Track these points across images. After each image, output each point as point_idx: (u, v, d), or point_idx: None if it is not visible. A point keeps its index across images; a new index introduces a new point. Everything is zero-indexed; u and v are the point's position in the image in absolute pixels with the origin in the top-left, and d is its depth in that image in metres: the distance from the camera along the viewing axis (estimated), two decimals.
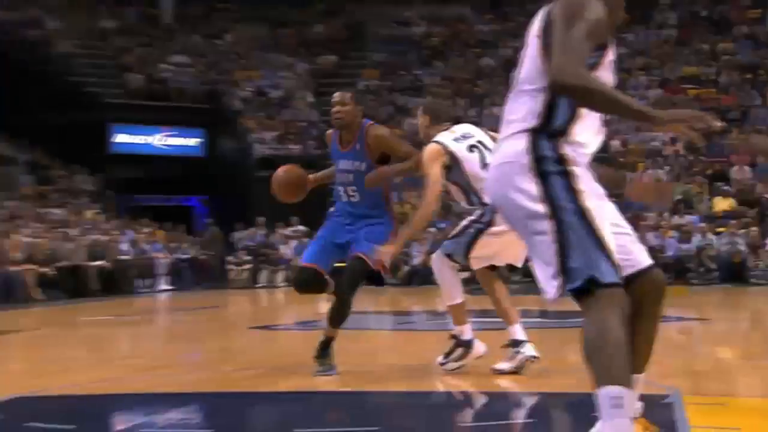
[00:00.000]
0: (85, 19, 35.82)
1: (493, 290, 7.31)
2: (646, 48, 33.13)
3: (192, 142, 31.56)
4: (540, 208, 3.48)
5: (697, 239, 23.69)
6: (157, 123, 31.92)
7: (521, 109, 3.59)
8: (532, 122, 3.55)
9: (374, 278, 6.34)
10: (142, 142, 32.02)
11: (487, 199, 6.50)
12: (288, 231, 26.10)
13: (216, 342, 12.33)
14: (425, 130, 7.44)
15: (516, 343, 7.00)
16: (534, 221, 3.50)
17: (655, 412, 5.11)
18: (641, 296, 3.82)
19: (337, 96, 7.25)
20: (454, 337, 7.26)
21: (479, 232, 7.12)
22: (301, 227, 25.68)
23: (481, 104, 30.36)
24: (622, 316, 3.45)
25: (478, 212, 7.16)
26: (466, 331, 7.25)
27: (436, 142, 7.23)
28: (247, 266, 26.06)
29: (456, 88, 32.70)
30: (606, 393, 3.32)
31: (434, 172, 7.10)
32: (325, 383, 7.08)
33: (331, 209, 7.60)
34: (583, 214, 3.44)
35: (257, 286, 24.95)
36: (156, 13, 37.48)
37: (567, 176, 3.48)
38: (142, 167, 29.44)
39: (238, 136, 30.72)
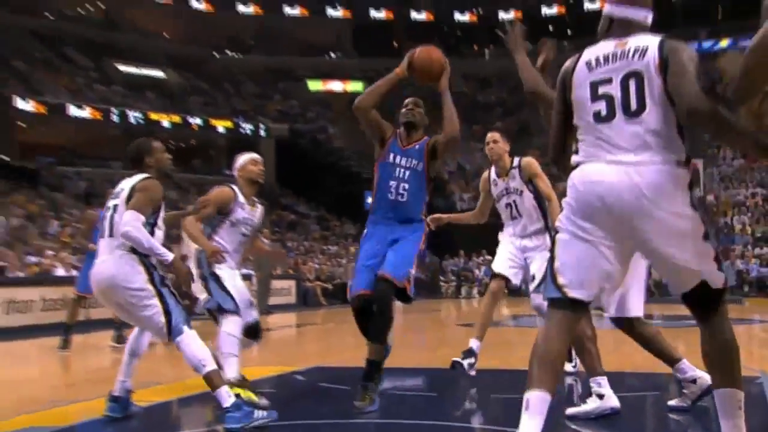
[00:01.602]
0: (350, 124, 37.19)
1: (495, 304, 5.98)
2: None
3: None
4: (696, 227, 2.76)
5: None
6: None
7: (659, 139, 2.77)
8: (677, 152, 2.78)
9: (401, 296, 4.95)
10: None
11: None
12: (479, 259, 26.06)
13: (435, 333, 12.42)
14: (505, 153, 6.00)
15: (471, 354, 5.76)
16: (691, 233, 2.75)
17: (750, 390, 4.83)
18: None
19: (411, 99, 5.17)
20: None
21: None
22: (488, 257, 25.70)
23: None
24: None
25: (547, 236, 5.67)
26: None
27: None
28: (453, 283, 26.15)
29: None
30: (741, 396, 2.80)
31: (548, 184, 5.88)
32: (513, 363, 6.53)
33: (366, 231, 5.10)
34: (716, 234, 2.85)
35: (460, 297, 24.93)
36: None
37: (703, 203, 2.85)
38: None
39: (446, 196, 30.91)
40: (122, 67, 35.98)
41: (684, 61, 2.79)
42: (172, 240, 14.60)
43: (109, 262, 4.41)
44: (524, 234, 5.94)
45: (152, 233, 4.45)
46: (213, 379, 4.19)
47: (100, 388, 4.81)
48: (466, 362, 5.67)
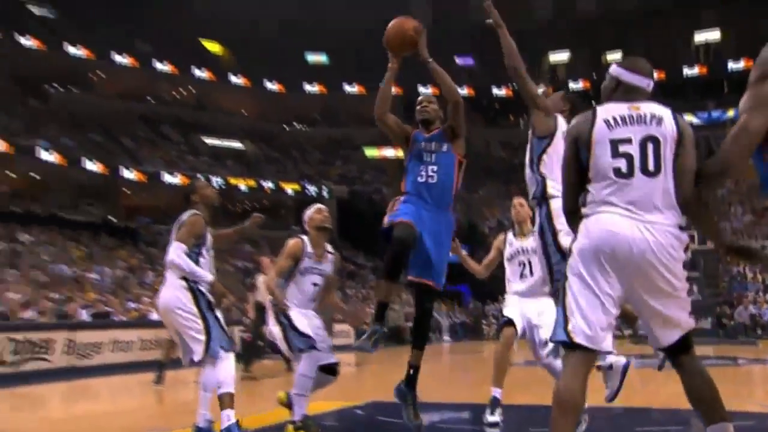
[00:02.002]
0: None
1: (509, 351, 5.42)
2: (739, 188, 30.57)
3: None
4: (686, 286, 2.75)
5: None
6: None
7: (667, 203, 2.73)
8: (680, 219, 2.76)
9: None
10: None
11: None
12: None
13: (478, 372, 12.18)
14: (528, 217, 5.51)
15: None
16: (682, 290, 2.74)
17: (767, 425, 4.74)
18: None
19: (423, 96, 4.70)
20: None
21: None
22: None
23: None
24: None
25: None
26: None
27: None
28: (494, 326, 25.78)
29: None
30: (732, 428, 2.70)
31: None
32: (550, 399, 6.37)
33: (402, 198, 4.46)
34: None
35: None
36: None
37: None
38: None
39: (487, 249, 30.60)
40: (208, 141, 37.15)
41: (690, 146, 2.78)
42: (247, 288, 14.77)
43: (165, 290, 4.60)
44: (532, 293, 5.36)
45: (197, 261, 4.60)
46: (223, 401, 4.37)
47: (189, 419, 4.90)
48: (496, 416, 5.16)
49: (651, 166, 2.74)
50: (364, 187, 37.30)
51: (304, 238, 5.10)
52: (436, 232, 4.37)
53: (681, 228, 2.73)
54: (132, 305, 15.99)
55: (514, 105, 40.73)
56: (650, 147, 2.75)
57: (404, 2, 40.30)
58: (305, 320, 4.91)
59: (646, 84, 2.95)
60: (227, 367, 4.45)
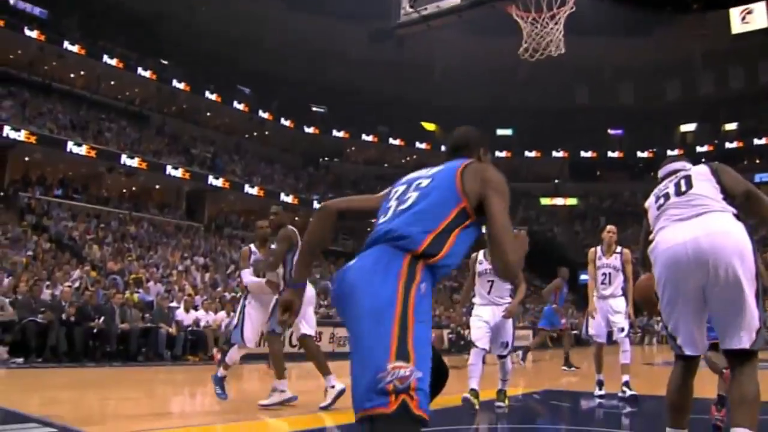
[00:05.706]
0: (567, 226, 35.28)
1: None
2: None
3: None
4: (754, 282, 2.18)
5: None
6: None
7: (708, 203, 2.32)
8: (734, 210, 2.29)
9: None
10: None
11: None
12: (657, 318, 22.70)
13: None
14: (615, 242, 5.72)
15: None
16: (749, 290, 2.18)
17: None
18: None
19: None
20: None
21: None
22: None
23: None
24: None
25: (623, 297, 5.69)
26: None
27: None
28: (639, 334, 23.22)
29: None
30: None
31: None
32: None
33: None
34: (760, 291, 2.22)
35: (644, 344, 21.81)
36: None
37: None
38: None
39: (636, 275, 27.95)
40: None
41: (727, 170, 2.49)
42: (453, 302, 14.79)
43: None
44: (610, 295, 5.64)
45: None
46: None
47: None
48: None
49: (683, 188, 2.44)
50: (540, 227, 36.35)
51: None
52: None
53: (736, 216, 2.28)
54: None
55: (655, 164, 37.66)
56: (683, 181, 2.49)
57: (570, 90, 39.24)
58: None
59: (679, 165, 2.67)
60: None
